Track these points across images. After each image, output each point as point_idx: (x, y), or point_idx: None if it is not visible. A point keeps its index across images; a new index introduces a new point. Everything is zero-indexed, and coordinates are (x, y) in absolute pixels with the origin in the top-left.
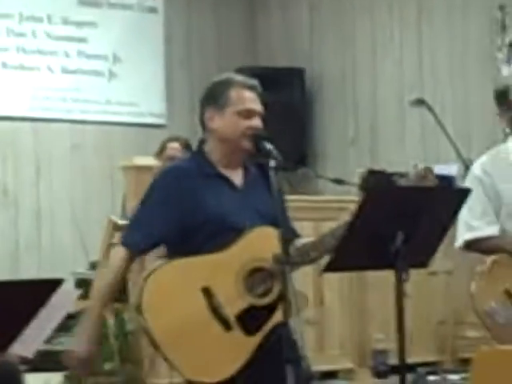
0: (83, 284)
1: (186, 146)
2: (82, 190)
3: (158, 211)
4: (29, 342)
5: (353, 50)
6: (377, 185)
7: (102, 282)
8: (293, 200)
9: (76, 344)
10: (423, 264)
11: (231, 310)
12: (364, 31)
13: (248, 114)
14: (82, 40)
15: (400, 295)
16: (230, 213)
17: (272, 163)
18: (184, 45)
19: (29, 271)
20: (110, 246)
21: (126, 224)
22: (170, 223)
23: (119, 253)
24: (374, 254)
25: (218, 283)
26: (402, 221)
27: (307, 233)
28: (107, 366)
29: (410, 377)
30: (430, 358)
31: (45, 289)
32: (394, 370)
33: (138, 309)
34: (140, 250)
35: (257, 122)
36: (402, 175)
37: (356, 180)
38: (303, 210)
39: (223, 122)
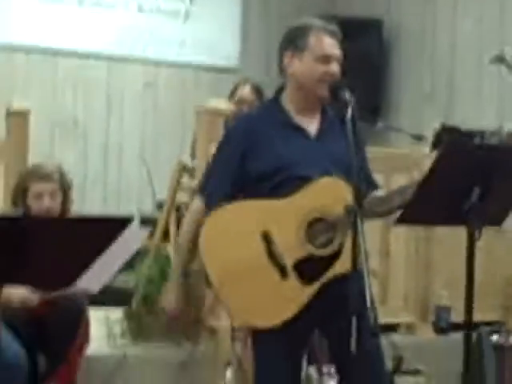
0: (148, 223)
1: (257, 89)
2: (152, 128)
3: (231, 162)
4: (95, 278)
5: (433, 3)
6: (454, 140)
7: (183, 240)
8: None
9: (166, 302)
10: (497, 222)
11: (289, 258)
12: None
13: (326, 59)
14: None
15: (472, 253)
16: (302, 162)
17: (349, 112)
18: None
19: (94, 205)
20: (177, 186)
21: (202, 175)
22: (242, 173)
23: (197, 206)
24: (448, 210)
25: (278, 229)
26: (478, 177)
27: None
28: None
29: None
30: (494, 317)
31: (114, 226)
32: (455, 327)
33: (198, 248)
34: (215, 202)
35: (334, 68)
36: (483, 136)
37: (430, 135)
38: (374, 162)
39: (301, 66)
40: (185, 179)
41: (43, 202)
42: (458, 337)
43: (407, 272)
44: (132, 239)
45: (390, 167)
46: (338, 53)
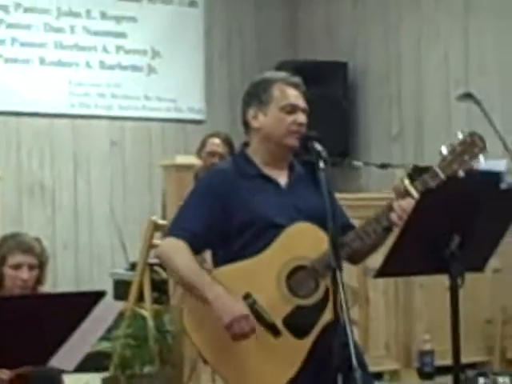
0: (122, 285)
1: (227, 141)
2: (120, 187)
3: (204, 210)
4: (70, 354)
5: (397, 43)
6: (428, 189)
7: (184, 259)
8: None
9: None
10: (479, 268)
11: (277, 315)
12: (409, 24)
13: (292, 108)
14: (120, 35)
15: (455, 300)
16: (275, 213)
17: (322, 164)
18: (224, 39)
19: (66, 271)
20: (150, 246)
21: (172, 219)
22: (214, 223)
23: (171, 241)
24: (428, 259)
25: (259, 288)
26: (457, 223)
27: None
28: (147, 369)
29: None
30: (478, 358)
31: (87, 301)
32: (440, 371)
33: (184, 328)
34: (185, 234)
35: (301, 118)
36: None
37: (400, 175)
38: (346, 208)
39: (267, 119)
40: (156, 238)
41: (21, 273)
42: (443, 381)
43: (388, 318)
44: (106, 312)
45: (362, 213)
46: (303, 104)
